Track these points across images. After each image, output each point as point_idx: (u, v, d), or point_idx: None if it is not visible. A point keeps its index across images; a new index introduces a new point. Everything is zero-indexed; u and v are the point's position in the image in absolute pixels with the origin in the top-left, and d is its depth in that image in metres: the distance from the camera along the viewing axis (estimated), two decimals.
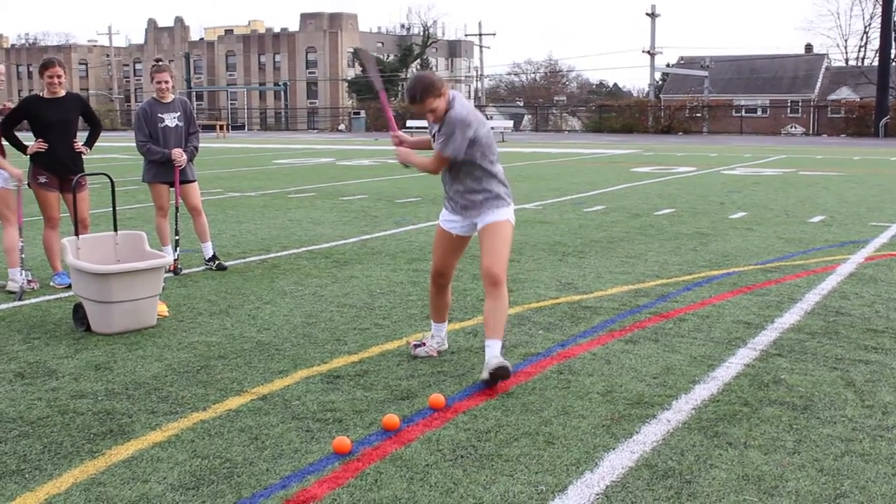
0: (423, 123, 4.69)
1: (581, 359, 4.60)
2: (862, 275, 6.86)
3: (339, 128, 60.96)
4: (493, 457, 3.33)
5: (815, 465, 3.25)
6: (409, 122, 35.48)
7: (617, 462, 3.28)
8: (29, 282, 6.45)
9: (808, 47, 67.62)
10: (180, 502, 2.98)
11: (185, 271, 7.11)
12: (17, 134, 6.61)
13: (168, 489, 3.06)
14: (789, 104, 58.82)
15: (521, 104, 74.38)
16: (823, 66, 62.16)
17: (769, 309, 5.68)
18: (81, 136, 6.75)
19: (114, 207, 5.93)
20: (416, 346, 4.64)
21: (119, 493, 3.03)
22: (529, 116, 65.57)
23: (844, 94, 56.79)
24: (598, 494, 3.02)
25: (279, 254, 8.00)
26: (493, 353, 4.14)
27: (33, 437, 3.54)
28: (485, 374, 4.06)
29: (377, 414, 3.77)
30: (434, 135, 4.38)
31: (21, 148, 6.54)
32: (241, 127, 66.24)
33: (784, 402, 3.92)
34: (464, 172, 4.30)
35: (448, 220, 4.49)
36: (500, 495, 3.01)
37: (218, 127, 48.91)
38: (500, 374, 4.04)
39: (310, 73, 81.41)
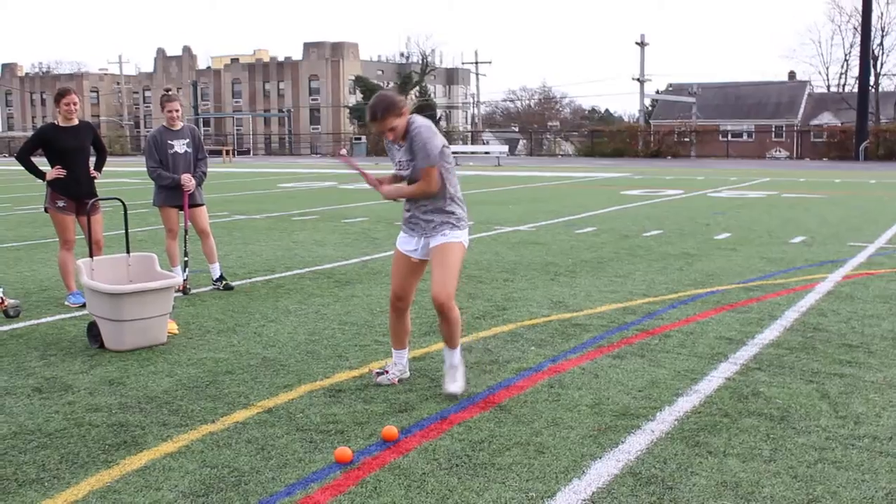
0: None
1: (571, 373, 4.74)
2: (839, 293, 7.02)
3: (341, 152, 61.24)
4: (487, 465, 3.46)
5: (789, 471, 3.38)
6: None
7: (603, 470, 3.41)
8: None
9: (792, 74, 68.43)
10: None
11: (193, 291, 7.26)
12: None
13: (179, 496, 3.19)
14: (774, 129, 59.49)
15: (517, 129, 74.76)
16: (806, 93, 62.83)
17: (750, 325, 5.84)
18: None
19: (126, 230, 6.09)
20: (378, 373, 4.59)
21: (133, 501, 3.16)
22: (524, 141, 65.95)
23: (826, 119, 57.42)
24: (584, 500, 3.15)
25: (283, 274, 8.14)
26: (450, 363, 4.46)
27: (51, 448, 3.66)
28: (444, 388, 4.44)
29: (377, 425, 3.91)
30: (400, 162, 4.35)
31: (38, 174, 6.68)
32: (247, 152, 66.41)
33: (762, 413, 4.07)
34: None
35: (405, 244, 4.46)
36: (493, 501, 3.14)
37: (224, 152, 49.16)
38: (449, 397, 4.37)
39: (312, 99, 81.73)
